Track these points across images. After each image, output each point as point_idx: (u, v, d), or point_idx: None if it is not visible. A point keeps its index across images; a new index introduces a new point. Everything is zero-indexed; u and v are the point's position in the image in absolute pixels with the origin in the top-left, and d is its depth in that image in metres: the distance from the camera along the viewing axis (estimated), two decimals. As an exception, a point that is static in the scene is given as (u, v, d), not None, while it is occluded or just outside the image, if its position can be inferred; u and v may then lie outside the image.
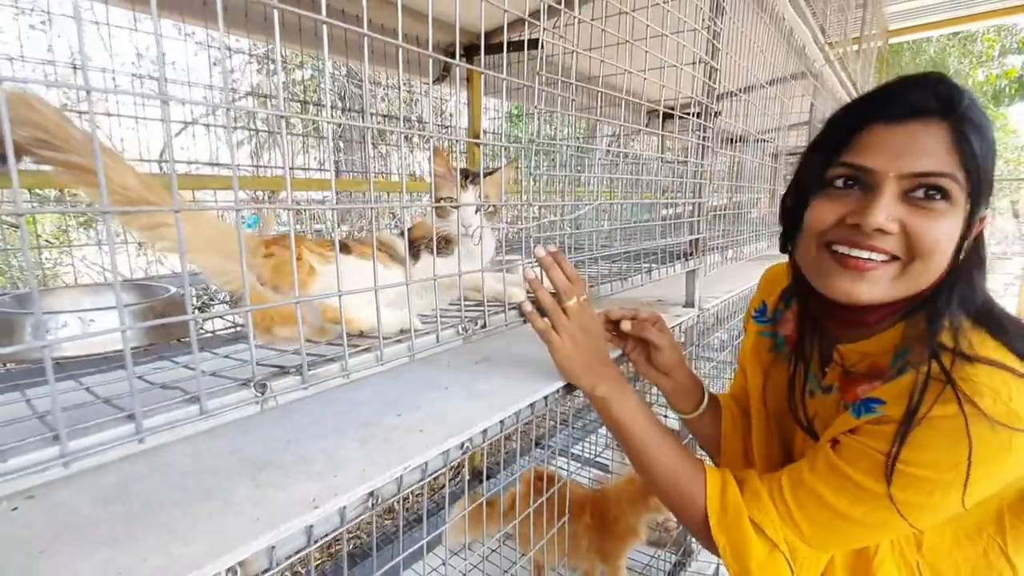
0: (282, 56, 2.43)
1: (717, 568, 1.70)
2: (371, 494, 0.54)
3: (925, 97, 0.57)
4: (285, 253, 0.61)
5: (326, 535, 0.50)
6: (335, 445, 0.61)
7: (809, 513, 0.62)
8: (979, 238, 0.61)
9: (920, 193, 0.57)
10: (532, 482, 1.29)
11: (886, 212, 0.57)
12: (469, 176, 0.82)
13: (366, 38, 0.49)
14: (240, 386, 0.45)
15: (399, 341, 0.59)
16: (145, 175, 0.55)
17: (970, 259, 0.61)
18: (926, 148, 0.56)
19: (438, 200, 0.78)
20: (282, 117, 0.41)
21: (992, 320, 0.59)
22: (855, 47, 3.50)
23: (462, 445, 0.65)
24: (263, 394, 0.45)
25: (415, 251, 0.80)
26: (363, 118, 2.22)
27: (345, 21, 0.51)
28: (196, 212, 0.61)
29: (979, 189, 0.57)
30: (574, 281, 0.75)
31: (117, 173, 0.50)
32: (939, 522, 0.60)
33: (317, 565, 1.90)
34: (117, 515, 0.49)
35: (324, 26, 0.46)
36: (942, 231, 0.57)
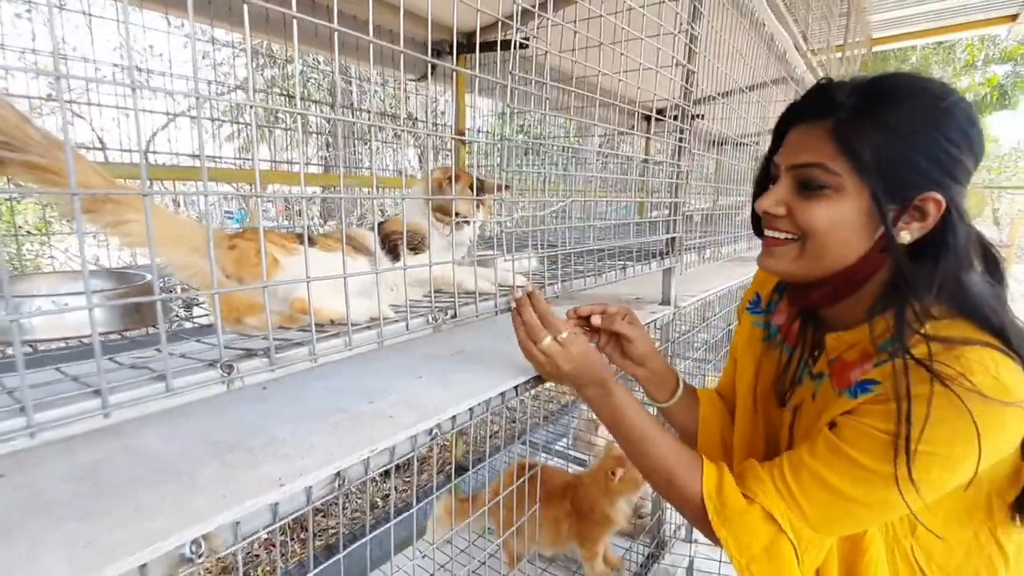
0: (271, 52, 2.43)
1: (691, 562, 1.73)
2: (338, 475, 0.55)
3: (812, 102, 0.67)
4: (247, 245, 0.62)
5: (292, 513, 0.51)
6: (305, 429, 0.63)
7: (812, 495, 0.63)
8: (947, 228, 0.61)
9: (802, 182, 0.66)
10: (515, 473, 1.31)
11: (773, 198, 0.68)
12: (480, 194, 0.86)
13: (336, 33, 0.51)
14: (207, 366, 0.46)
15: (368, 328, 0.60)
16: (106, 171, 0.56)
17: (929, 248, 0.63)
18: (807, 144, 0.65)
19: (457, 214, 0.85)
20: (251, 107, 0.43)
21: (967, 304, 0.62)
22: (839, 55, 3.57)
23: (431, 431, 0.67)
24: (229, 374, 0.47)
25: (392, 247, 0.82)
26: (352, 114, 2.23)
27: (327, 16, 0.53)
28: (161, 209, 0.62)
29: (880, 178, 0.60)
30: (544, 321, 0.78)
31: (79, 171, 0.51)
32: (937, 498, 0.61)
33: (296, 559, 1.91)
34: (86, 493, 0.50)
35: (295, 20, 0.47)
36: (818, 214, 0.64)
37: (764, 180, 0.74)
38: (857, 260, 0.65)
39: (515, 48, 0.73)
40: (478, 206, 0.82)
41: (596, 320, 0.90)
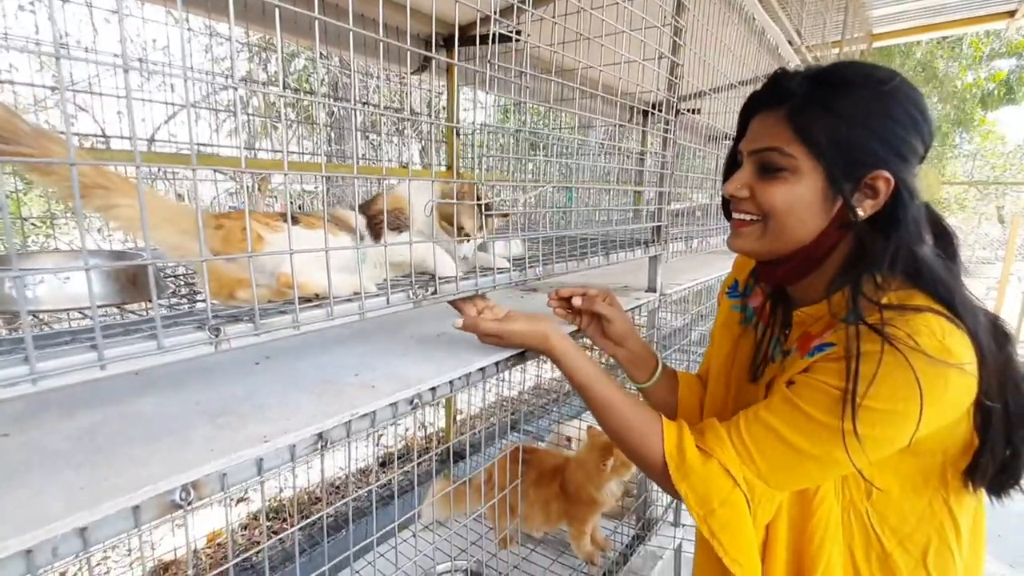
0: (271, 45, 2.46)
1: (680, 544, 1.77)
2: (320, 435, 0.59)
3: (768, 91, 0.71)
4: (233, 224, 0.66)
5: (275, 467, 0.55)
6: (292, 398, 0.67)
7: (764, 449, 0.66)
8: (897, 205, 0.65)
9: (762, 165, 0.70)
10: (508, 457, 1.35)
11: (737, 182, 0.72)
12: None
13: (317, 21, 0.54)
14: (196, 328, 0.50)
15: (350, 300, 0.64)
16: (108, 155, 0.61)
17: (881, 223, 0.67)
18: (766, 130, 0.70)
19: (460, 229, 0.89)
20: (234, 88, 0.47)
21: (920, 276, 0.66)
22: (835, 50, 3.58)
23: (411, 399, 0.71)
24: (217, 336, 0.50)
25: (375, 228, 0.85)
26: (354, 106, 2.27)
27: (317, 8, 0.56)
28: (152, 193, 0.66)
29: (832, 159, 0.65)
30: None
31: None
32: (886, 458, 0.65)
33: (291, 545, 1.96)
34: (84, 448, 0.54)
35: (276, 10, 0.51)
36: (777, 195, 0.68)
37: (731, 166, 0.78)
38: (816, 237, 0.69)
39: (493, 41, 0.77)
40: (481, 227, 0.86)
41: (577, 301, 0.94)
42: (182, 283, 0.92)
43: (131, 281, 0.73)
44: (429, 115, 2.77)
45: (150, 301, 0.80)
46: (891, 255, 0.65)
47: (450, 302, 0.85)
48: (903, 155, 0.65)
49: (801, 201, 0.68)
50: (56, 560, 0.42)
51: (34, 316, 0.68)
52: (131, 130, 0.42)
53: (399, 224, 0.83)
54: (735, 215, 0.76)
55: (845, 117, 0.64)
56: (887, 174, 0.64)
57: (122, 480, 0.48)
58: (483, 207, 0.88)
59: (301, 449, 0.58)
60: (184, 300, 0.95)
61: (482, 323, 0.83)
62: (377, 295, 0.67)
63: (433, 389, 0.73)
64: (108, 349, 0.44)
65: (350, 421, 0.62)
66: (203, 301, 0.82)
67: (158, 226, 0.64)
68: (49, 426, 0.60)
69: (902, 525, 0.70)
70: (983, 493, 0.70)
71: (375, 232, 0.83)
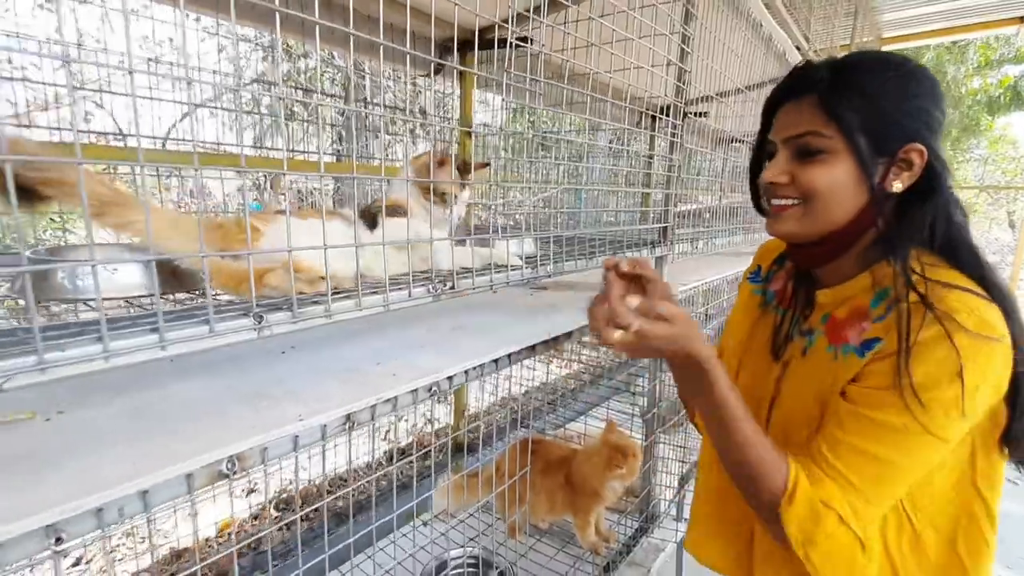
0: (286, 45, 2.51)
1: (682, 538, 1.81)
2: (348, 416, 0.64)
3: (794, 82, 0.75)
4: (230, 223, 0.72)
5: (308, 444, 0.60)
6: (320, 383, 0.72)
7: (857, 469, 0.65)
8: (931, 175, 0.69)
9: (799, 150, 0.73)
10: (517, 448, 1.40)
11: (775, 170, 0.75)
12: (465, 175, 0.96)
13: (352, 35, 0.59)
14: (241, 315, 0.55)
15: (375, 293, 0.69)
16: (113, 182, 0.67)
17: (916, 196, 0.70)
18: (798, 117, 0.73)
19: (440, 194, 0.95)
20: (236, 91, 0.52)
21: (953, 252, 0.69)
22: (843, 55, 3.59)
23: (430, 387, 0.76)
24: (260, 323, 0.56)
25: (371, 217, 0.92)
26: (365, 108, 2.32)
27: (341, 14, 0.61)
28: (159, 208, 0.72)
29: (865, 137, 0.68)
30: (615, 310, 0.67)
31: (89, 184, 0.62)
32: (962, 435, 0.65)
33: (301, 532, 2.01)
34: (135, 426, 0.59)
35: (316, 26, 0.56)
36: (818, 176, 0.71)
37: (758, 161, 0.82)
38: (855, 215, 0.72)
39: (510, 47, 0.81)
40: (463, 187, 0.91)
41: (624, 266, 0.79)
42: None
43: (172, 273, 0.78)
44: (440, 116, 2.82)
45: (189, 291, 0.85)
46: (929, 224, 0.69)
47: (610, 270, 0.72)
48: (931, 127, 0.69)
49: (840, 181, 0.70)
50: (121, 520, 0.47)
51: (85, 304, 0.74)
52: (135, 131, 0.47)
53: (396, 212, 0.89)
54: (775, 201, 0.77)
55: (873, 96, 0.68)
56: (919, 146, 0.68)
57: (170, 451, 0.53)
58: (460, 167, 0.94)
59: (331, 429, 0.63)
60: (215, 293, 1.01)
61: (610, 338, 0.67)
62: (399, 288, 0.72)
63: (450, 378, 0.78)
64: (168, 332, 0.49)
65: (375, 405, 0.67)
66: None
67: (167, 236, 0.70)
68: (98, 408, 0.65)
69: (931, 506, 0.72)
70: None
71: (370, 223, 0.89)
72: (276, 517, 2.61)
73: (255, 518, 2.87)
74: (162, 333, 0.48)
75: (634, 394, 2.92)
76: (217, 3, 1.40)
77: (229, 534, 2.69)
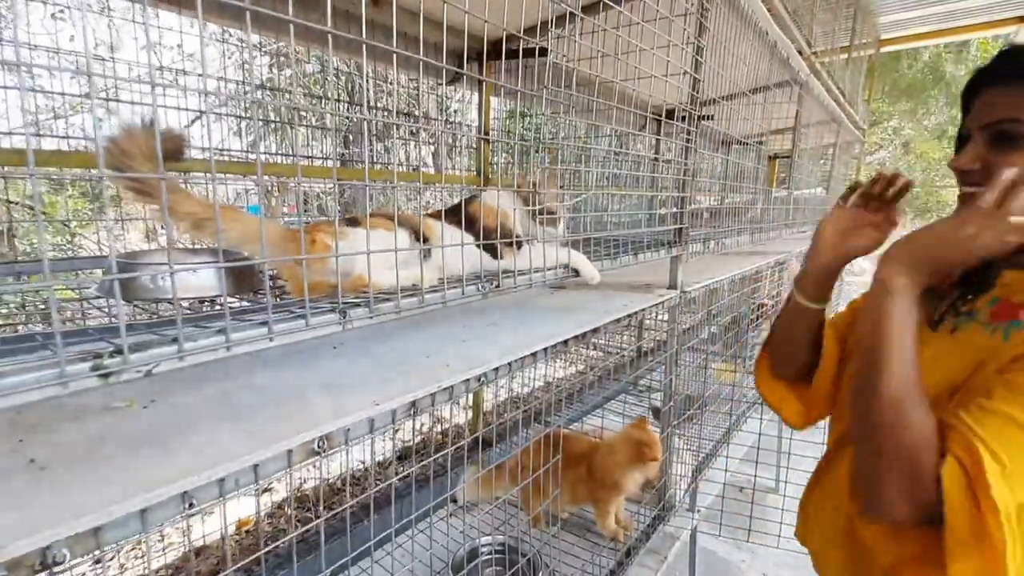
0: (296, 52, 2.58)
1: (696, 526, 1.88)
2: (413, 403, 0.72)
3: (1000, 67, 0.72)
4: (307, 239, 0.80)
5: (384, 427, 0.67)
6: (380, 375, 0.79)
7: (1007, 440, 0.56)
8: None
9: (996, 137, 0.70)
10: (541, 441, 1.47)
11: (968, 156, 0.72)
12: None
13: (366, 44, 0.67)
14: (328, 311, 0.62)
15: (434, 291, 0.76)
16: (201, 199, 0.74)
17: None
18: (1001, 103, 0.70)
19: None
20: (255, 102, 0.59)
21: None
22: (843, 55, 3.67)
23: (479, 377, 0.83)
24: (344, 317, 0.63)
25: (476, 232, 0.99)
26: (371, 113, 2.40)
27: (356, 21, 0.68)
28: (245, 214, 0.79)
29: None
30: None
31: (176, 199, 0.70)
32: None
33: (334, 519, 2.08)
34: (226, 411, 0.66)
35: (329, 35, 0.63)
36: (1018, 163, 0.66)
37: (960, 148, 0.77)
38: None
39: (548, 59, 0.88)
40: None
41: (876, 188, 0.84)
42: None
43: (237, 277, 0.85)
44: (460, 123, 2.89)
45: (253, 292, 0.93)
46: None
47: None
48: None
49: None
50: (237, 490, 0.54)
51: (169, 303, 0.81)
52: (208, 144, 0.54)
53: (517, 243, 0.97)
54: (966, 189, 0.74)
55: None
56: None
57: (272, 431, 0.60)
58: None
59: (400, 414, 0.70)
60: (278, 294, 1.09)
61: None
62: (453, 287, 0.80)
63: (496, 369, 0.85)
64: (276, 325, 0.56)
65: (435, 393, 0.74)
66: (287, 295, 0.95)
67: (253, 241, 0.77)
68: (182, 397, 0.72)
69: None
70: None
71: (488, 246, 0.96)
72: (296, 516, 2.69)
73: (270, 516, 2.95)
74: (271, 325, 0.55)
75: (641, 391, 3.00)
76: (229, 13, 1.47)
77: (247, 531, 2.77)
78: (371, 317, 0.66)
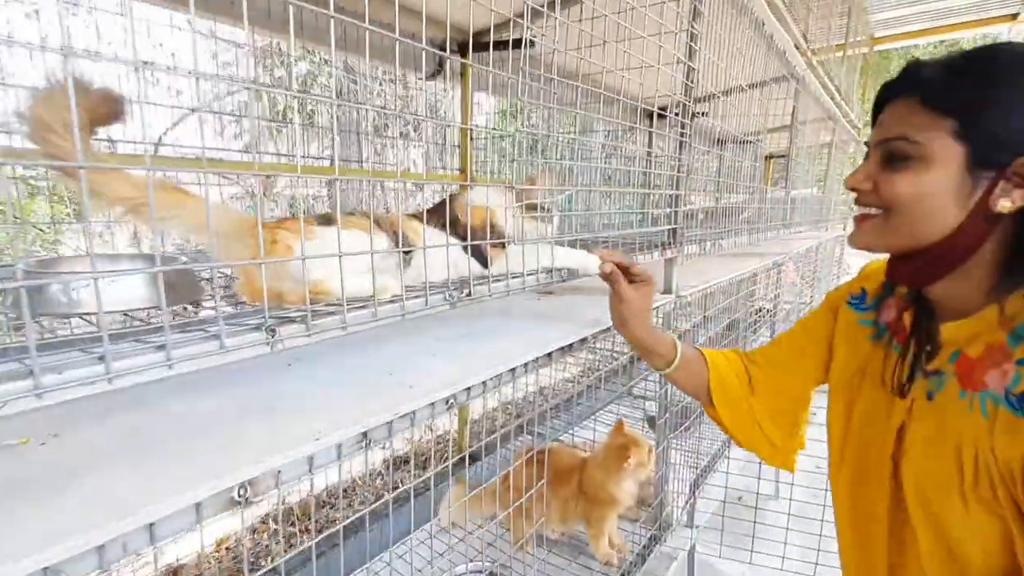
0: (279, 50, 2.47)
1: (692, 546, 1.78)
2: (364, 434, 0.61)
3: (901, 80, 0.67)
4: (267, 236, 0.68)
5: (323, 464, 0.56)
6: (332, 396, 0.68)
7: None
8: None
9: (887, 155, 0.66)
10: (524, 454, 1.36)
11: (859, 175, 0.69)
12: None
13: (333, 20, 0.56)
14: (253, 329, 0.51)
15: (392, 302, 0.66)
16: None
17: None
18: (894, 119, 0.66)
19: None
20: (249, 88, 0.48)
21: None
22: (839, 54, 3.61)
23: (447, 400, 0.72)
24: (272, 336, 0.52)
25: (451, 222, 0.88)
26: (358, 112, 2.29)
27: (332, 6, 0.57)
28: (196, 200, 0.67)
29: (971, 142, 0.59)
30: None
31: (111, 183, 0.59)
32: None
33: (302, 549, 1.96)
34: (134, 446, 0.55)
35: (291, 6, 0.52)
36: (901, 185, 0.63)
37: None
38: (952, 231, 0.62)
39: (526, 46, 0.78)
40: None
41: (607, 268, 0.90)
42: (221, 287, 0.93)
43: (171, 285, 0.74)
44: (429, 118, 2.78)
45: (189, 304, 0.81)
46: None
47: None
48: None
49: (930, 192, 0.62)
50: (125, 555, 0.43)
51: (81, 318, 0.70)
52: (149, 146, 0.43)
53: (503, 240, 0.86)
54: (857, 209, 0.71)
55: (994, 97, 0.58)
56: None
57: (178, 478, 0.49)
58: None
59: (346, 449, 0.59)
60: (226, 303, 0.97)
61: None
62: (416, 296, 0.69)
63: (467, 389, 0.75)
64: (175, 349, 0.45)
65: (392, 421, 0.63)
66: (242, 304, 0.84)
67: (206, 230, 0.65)
68: (92, 429, 0.60)
69: None
70: None
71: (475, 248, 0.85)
72: (276, 530, 2.56)
73: (253, 531, 2.81)
74: (169, 351, 0.44)
75: (636, 397, 2.89)
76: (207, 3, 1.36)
77: (227, 548, 2.63)
78: (308, 335, 0.55)
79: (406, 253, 0.77)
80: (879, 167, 0.67)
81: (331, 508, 2.74)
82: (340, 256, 0.56)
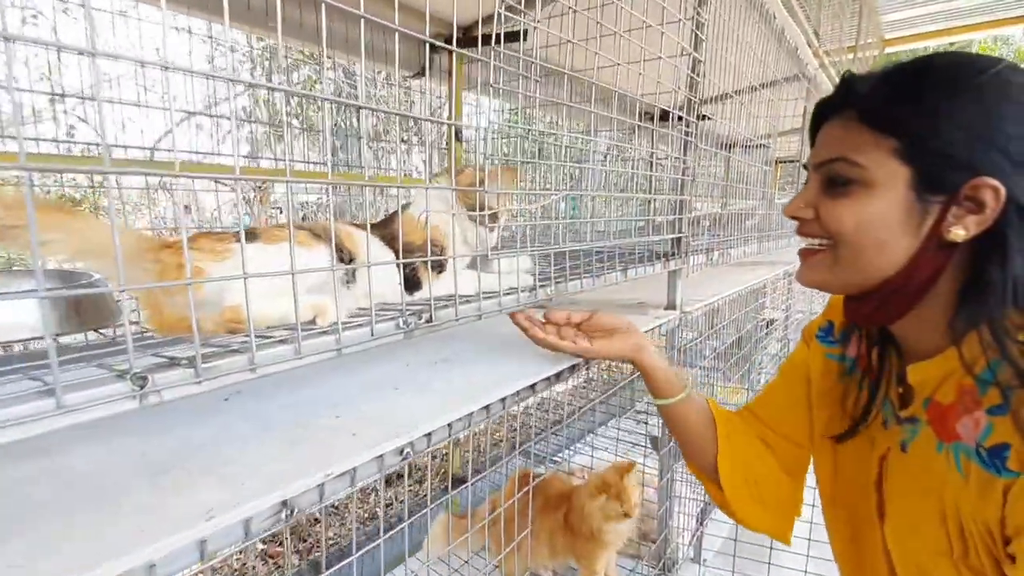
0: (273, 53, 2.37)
1: (700, 584, 1.63)
2: (284, 503, 0.48)
3: (837, 96, 0.61)
4: (171, 259, 0.56)
5: (222, 547, 0.43)
6: (256, 448, 0.55)
7: None
8: (1009, 221, 0.51)
9: (827, 180, 0.60)
10: (516, 484, 1.23)
11: (798, 201, 0.62)
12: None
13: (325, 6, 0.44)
14: (116, 378, 0.39)
15: (324, 333, 0.53)
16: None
17: (990, 248, 0.53)
18: (831, 140, 0.60)
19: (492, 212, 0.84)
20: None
21: None
22: (850, 55, 3.48)
23: (401, 449, 0.59)
24: (142, 387, 0.39)
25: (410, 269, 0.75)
26: (359, 115, 2.18)
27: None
28: (90, 218, 0.55)
29: (920, 162, 0.53)
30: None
31: None
32: None
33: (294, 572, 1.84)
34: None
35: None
36: (844, 212, 0.57)
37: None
38: (905, 264, 0.56)
39: (507, 39, 0.66)
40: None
41: (519, 318, 0.82)
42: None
43: (74, 308, 0.61)
44: (422, 120, 2.68)
45: (96, 331, 0.69)
46: (1011, 288, 0.51)
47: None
48: (1012, 157, 0.50)
49: (877, 220, 0.55)
50: None
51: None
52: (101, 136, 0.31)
53: (442, 264, 0.72)
54: (803, 241, 0.65)
55: (934, 110, 0.52)
56: (994, 182, 0.50)
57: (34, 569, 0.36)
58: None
59: (259, 523, 0.46)
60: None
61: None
62: (359, 325, 0.56)
63: (428, 435, 0.62)
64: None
65: (323, 484, 0.50)
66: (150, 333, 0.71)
67: (97, 255, 0.53)
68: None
69: None
70: None
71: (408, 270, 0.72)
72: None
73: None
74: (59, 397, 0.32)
75: (639, 412, 2.75)
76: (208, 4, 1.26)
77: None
78: (198, 382, 0.42)
79: (351, 271, 0.64)
80: (819, 192, 0.61)
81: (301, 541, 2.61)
82: (245, 278, 0.43)
